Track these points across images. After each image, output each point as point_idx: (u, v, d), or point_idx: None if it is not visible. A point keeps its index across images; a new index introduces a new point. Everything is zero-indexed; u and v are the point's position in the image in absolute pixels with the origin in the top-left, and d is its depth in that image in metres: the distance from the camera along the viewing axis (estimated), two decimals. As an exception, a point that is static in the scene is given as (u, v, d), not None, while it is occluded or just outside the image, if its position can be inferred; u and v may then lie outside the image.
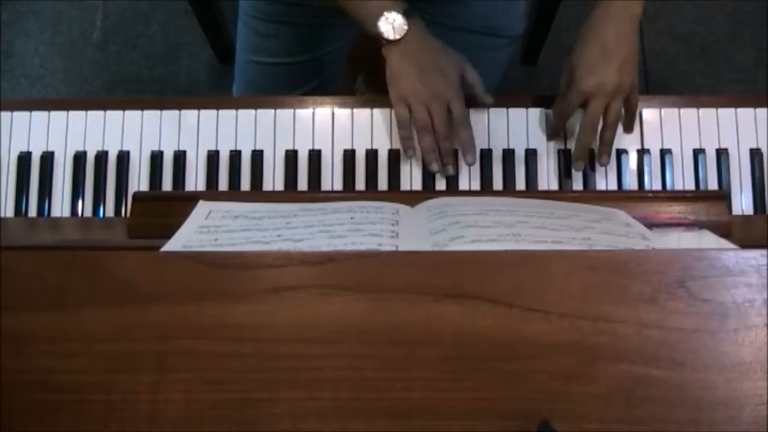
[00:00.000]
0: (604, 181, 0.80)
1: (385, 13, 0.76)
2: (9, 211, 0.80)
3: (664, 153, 0.80)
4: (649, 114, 0.81)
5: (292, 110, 0.82)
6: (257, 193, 0.78)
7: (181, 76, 1.64)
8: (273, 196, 0.69)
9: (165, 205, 0.62)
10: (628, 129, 0.80)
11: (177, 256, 0.43)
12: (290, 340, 0.38)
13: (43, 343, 0.38)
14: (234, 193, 0.78)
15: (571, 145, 0.80)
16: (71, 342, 0.38)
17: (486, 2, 0.90)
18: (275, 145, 0.81)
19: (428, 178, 0.80)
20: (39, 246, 0.60)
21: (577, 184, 0.80)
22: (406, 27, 0.76)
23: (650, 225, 0.55)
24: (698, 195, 0.67)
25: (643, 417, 0.36)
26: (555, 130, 0.81)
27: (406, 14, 0.76)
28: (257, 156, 0.80)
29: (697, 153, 0.80)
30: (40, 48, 1.66)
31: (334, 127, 0.81)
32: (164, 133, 0.81)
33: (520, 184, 0.80)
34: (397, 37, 0.76)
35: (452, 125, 0.77)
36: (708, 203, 0.63)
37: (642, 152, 0.80)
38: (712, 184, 0.79)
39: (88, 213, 0.80)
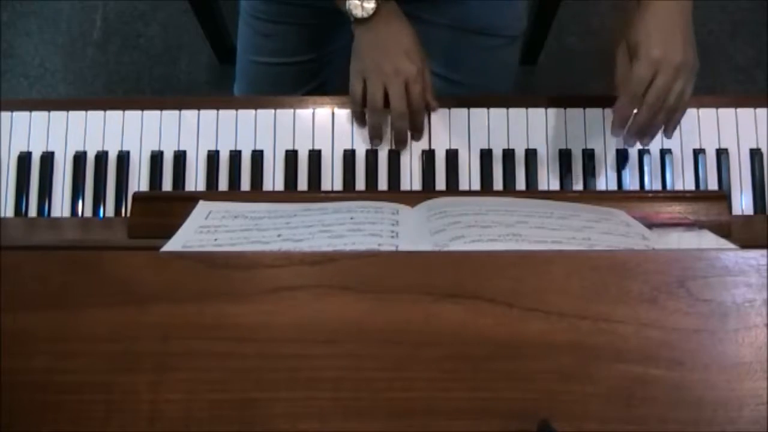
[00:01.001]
0: (604, 181, 0.80)
1: None
2: (9, 211, 0.80)
3: (664, 153, 0.80)
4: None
5: (292, 110, 0.82)
6: (257, 193, 0.78)
7: (181, 76, 1.64)
8: (273, 196, 0.69)
9: (165, 205, 0.62)
10: (671, 130, 0.76)
11: (177, 256, 0.43)
12: (290, 340, 0.38)
13: (43, 343, 0.38)
14: (234, 193, 0.77)
15: (572, 145, 0.80)
16: (71, 342, 0.38)
17: (484, 2, 0.90)
18: (275, 145, 0.81)
19: (428, 178, 0.80)
20: (39, 246, 0.60)
21: (577, 184, 0.80)
22: (372, 7, 0.76)
23: (650, 225, 0.55)
24: (698, 195, 0.67)
25: (643, 417, 0.36)
26: (621, 121, 0.74)
27: None
28: (257, 156, 0.80)
29: (697, 153, 0.80)
30: (40, 48, 1.66)
31: (334, 127, 0.81)
32: (164, 133, 0.81)
33: (520, 184, 0.80)
34: (365, 15, 0.77)
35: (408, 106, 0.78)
36: (708, 203, 0.63)
37: (642, 152, 0.80)
38: (712, 184, 0.79)
39: (88, 213, 0.80)
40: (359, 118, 0.80)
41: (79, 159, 0.80)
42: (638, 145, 0.79)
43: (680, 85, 0.72)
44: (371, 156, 0.80)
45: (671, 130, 0.76)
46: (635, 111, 0.73)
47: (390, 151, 0.81)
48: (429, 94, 0.80)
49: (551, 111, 0.81)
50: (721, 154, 0.80)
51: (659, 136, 0.78)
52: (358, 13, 0.77)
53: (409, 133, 0.80)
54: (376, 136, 0.80)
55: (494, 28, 0.92)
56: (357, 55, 0.79)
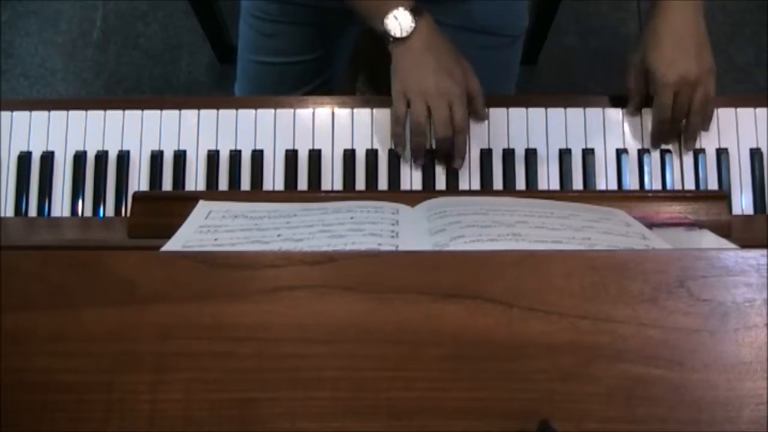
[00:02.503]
0: (604, 181, 0.80)
1: (393, 11, 0.75)
2: (9, 211, 0.80)
3: (664, 153, 0.80)
4: (649, 114, 0.81)
5: (292, 110, 0.82)
6: (257, 193, 0.78)
7: (181, 76, 1.64)
8: (273, 196, 0.69)
9: (165, 205, 0.62)
10: (706, 123, 0.81)
11: (177, 256, 0.43)
12: (290, 340, 0.38)
13: (43, 343, 0.38)
14: (234, 193, 0.78)
15: (572, 145, 0.80)
16: (71, 342, 0.38)
17: (487, 1, 0.90)
18: (275, 145, 0.81)
19: (428, 178, 0.80)
20: (39, 246, 0.60)
21: (577, 184, 0.80)
22: (413, 25, 0.75)
23: (650, 225, 0.55)
24: (698, 195, 0.67)
25: (643, 417, 0.36)
26: (660, 137, 0.80)
27: (415, 12, 0.76)
28: (257, 156, 0.80)
29: (697, 153, 0.80)
30: (40, 48, 1.66)
31: (334, 127, 0.81)
32: (164, 133, 0.81)
33: (520, 184, 0.80)
34: (404, 35, 0.75)
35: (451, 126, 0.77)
36: (708, 203, 0.63)
37: (642, 152, 0.80)
38: (712, 184, 0.79)
39: (88, 213, 0.80)
40: (398, 138, 0.79)
41: (79, 159, 0.80)
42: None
43: (701, 92, 0.78)
44: (371, 156, 0.80)
45: (707, 126, 0.81)
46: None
47: (390, 151, 0.81)
48: (479, 103, 0.79)
49: (551, 111, 0.82)
50: (721, 154, 0.80)
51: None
52: (396, 32, 0.75)
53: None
54: (419, 158, 0.79)
55: (497, 28, 0.92)
56: (398, 76, 0.77)
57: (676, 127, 0.79)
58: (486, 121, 0.81)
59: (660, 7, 0.78)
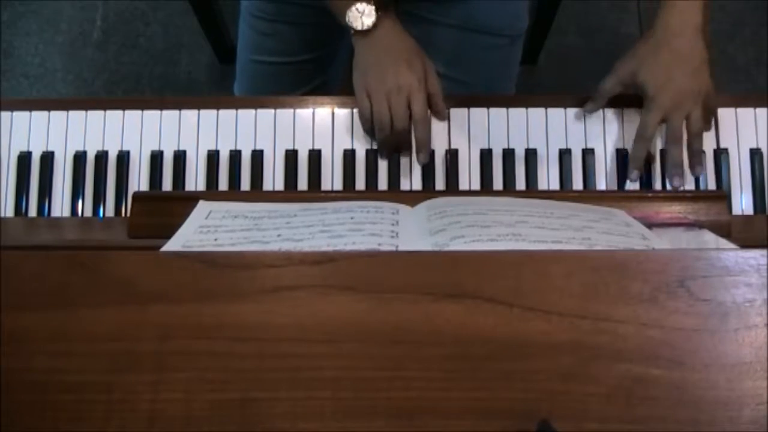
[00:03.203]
0: (604, 181, 0.80)
1: (356, 3, 0.76)
2: (9, 211, 0.80)
3: (664, 153, 0.80)
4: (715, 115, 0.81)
5: (292, 110, 0.82)
6: (257, 193, 0.78)
7: (181, 76, 1.64)
8: (273, 196, 0.69)
9: (165, 205, 0.62)
10: (706, 127, 0.79)
11: (177, 256, 0.43)
12: (290, 340, 0.38)
13: (43, 343, 0.38)
14: (234, 193, 0.78)
15: (572, 145, 0.80)
16: (71, 342, 0.38)
17: (487, 1, 0.90)
18: (275, 145, 0.81)
19: (428, 178, 0.80)
20: (39, 246, 0.60)
21: (577, 184, 0.80)
22: (373, 19, 0.76)
23: (650, 225, 0.55)
24: (698, 195, 0.67)
25: (643, 417, 0.36)
26: (639, 160, 0.78)
27: (379, 6, 0.76)
28: (257, 156, 0.80)
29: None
30: (40, 47, 1.66)
31: (334, 127, 0.81)
32: (164, 133, 0.81)
33: (520, 184, 0.80)
34: (365, 28, 0.76)
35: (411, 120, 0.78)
36: (708, 203, 0.63)
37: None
38: (712, 184, 0.79)
39: (88, 213, 0.80)
40: (371, 133, 0.80)
41: (79, 159, 0.80)
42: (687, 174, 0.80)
43: (697, 114, 0.76)
44: (371, 156, 0.80)
45: (698, 156, 0.79)
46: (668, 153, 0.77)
47: (390, 151, 0.81)
48: (438, 101, 0.79)
49: (551, 111, 0.81)
50: (721, 154, 0.80)
51: (659, 136, 0.79)
52: (357, 25, 0.76)
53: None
54: (387, 153, 0.79)
55: (497, 28, 0.92)
56: (359, 71, 0.78)
57: (674, 153, 0.77)
58: (486, 120, 0.81)
59: (660, 26, 0.77)
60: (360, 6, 0.76)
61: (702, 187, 0.79)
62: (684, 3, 0.77)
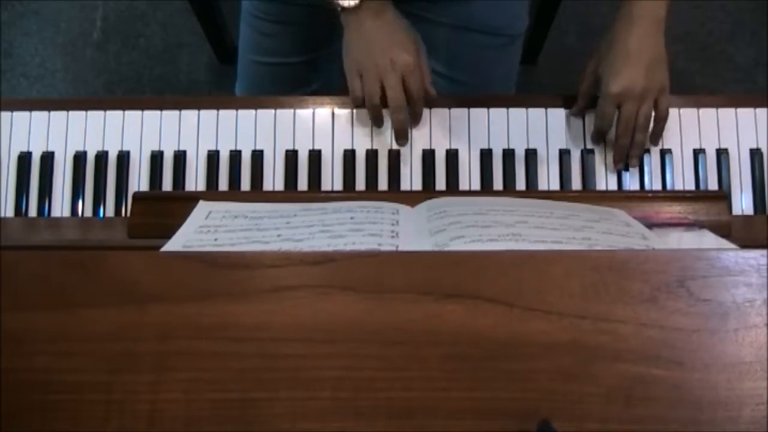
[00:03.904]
0: (604, 181, 0.80)
1: None
2: (9, 211, 0.80)
3: (664, 153, 0.80)
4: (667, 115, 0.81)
5: (292, 110, 0.82)
6: (257, 193, 0.78)
7: (181, 76, 1.64)
8: (273, 196, 0.69)
9: (165, 205, 0.62)
10: (654, 139, 0.80)
11: (177, 256, 0.43)
12: (290, 340, 0.38)
13: (43, 343, 0.38)
14: (234, 193, 0.78)
15: (571, 145, 0.80)
16: (71, 342, 0.38)
17: (487, 1, 0.90)
18: (275, 145, 0.81)
19: (428, 178, 0.80)
20: (39, 246, 0.60)
21: (577, 184, 0.80)
22: None
23: (650, 225, 0.55)
24: (698, 195, 0.67)
25: (643, 417, 0.36)
26: (597, 139, 0.81)
27: None
28: (257, 156, 0.80)
29: (697, 153, 0.80)
30: (40, 47, 1.66)
31: (334, 127, 0.81)
32: (164, 133, 0.81)
33: (520, 184, 0.80)
34: (352, 4, 0.75)
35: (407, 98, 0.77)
36: (708, 203, 0.63)
37: (642, 152, 0.80)
38: (712, 184, 0.79)
39: (88, 213, 0.80)
40: (360, 113, 0.80)
41: (79, 159, 0.80)
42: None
43: (647, 108, 0.77)
44: (371, 156, 0.80)
45: (656, 141, 0.81)
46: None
47: (390, 151, 0.81)
48: (427, 83, 0.79)
49: (551, 111, 0.82)
50: (721, 154, 0.80)
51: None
52: (345, 2, 0.75)
53: (409, 127, 0.80)
54: (379, 126, 0.79)
55: (496, 27, 0.92)
56: (349, 51, 0.78)
57: (620, 142, 0.79)
58: (486, 120, 0.81)
59: (621, 19, 0.77)
60: None
61: (702, 187, 0.79)
62: None
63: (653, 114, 0.78)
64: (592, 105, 0.80)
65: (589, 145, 0.81)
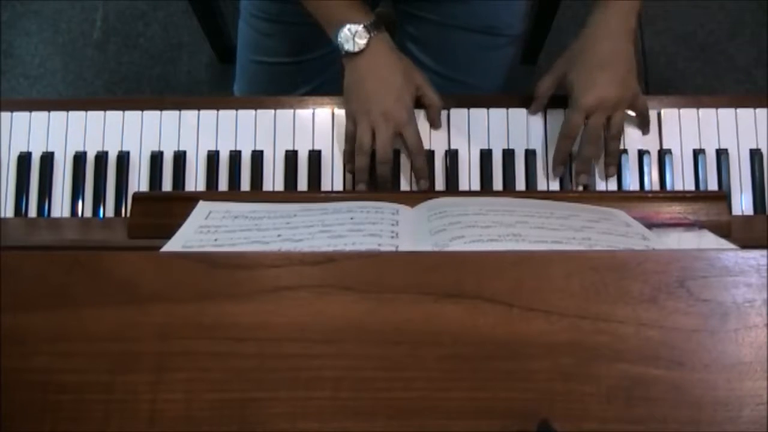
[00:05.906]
0: (604, 181, 0.80)
1: (348, 25, 0.74)
2: (9, 211, 0.80)
3: (664, 153, 0.80)
4: (649, 114, 0.81)
5: (292, 110, 0.82)
6: (257, 193, 0.78)
7: (181, 76, 1.64)
8: (273, 196, 0.69)
9: (165, 206, 0.62)
10: (645, 130, 0.80)
11: (177, 256, 0.43)
12: (290, 340, 0.38)
13: (43, 343, 0.38)
14: (234, 193, 0.78)
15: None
16: (71, 342, 0.38)
17: (486, 1, 0.90)
18: (275, 145, 0.81)
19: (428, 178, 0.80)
20: (39, 246, 0.60)
21: (577, 185, 0.80)
22: (364, 42, 0.74)
23: (650, 225, 0.55)
24: (698, 195, 0.67)
25: (643, 417, 0.36)
26: (562, 156, 0.79)
27: (372, 28, 0.75)
28: (257, 156, 0.80)
29: (697, 153, 0.80)
30: (40, 48, 1.66)
31: (334, 127, 0.81)
32: (164, 133, 0.81)
33: (520, 184, 0.80)
34: (355, 50, 0.75)
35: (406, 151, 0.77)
36: (708, 203, 0.63)
37: (642, 152, 0.80)
38: (712, 184, 0.79)
39: (88, 213, 0.80)
40: (347, 156, 0.79)
41: (79, 159, 0.80)
42: (601, 167, 0.80)
43: (619, 117, 0.77)
44: (371, 156, 0.80)
45: (614, 157, 0.79)
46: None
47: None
48: (435, 115, 0.79)
49: (551, 111, 0.82)
50: (721, 154, 0.80)
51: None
52: (349, 47, 0.75)
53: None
54: (361, 180, 0.77)
55: (496, 28, 0.92)
56: (346, 95, 0.78)
57: (584, 149, 0.77)
58: (486, 120, 0.81)
59: (592, 27, 0.77)
60: (352, 27, 0.74)
61: (702, 187, 0.79)
62: (617, 3, 0.76)
63: (634, 116, 0.79)
64: (551, 105, 0.80)
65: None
